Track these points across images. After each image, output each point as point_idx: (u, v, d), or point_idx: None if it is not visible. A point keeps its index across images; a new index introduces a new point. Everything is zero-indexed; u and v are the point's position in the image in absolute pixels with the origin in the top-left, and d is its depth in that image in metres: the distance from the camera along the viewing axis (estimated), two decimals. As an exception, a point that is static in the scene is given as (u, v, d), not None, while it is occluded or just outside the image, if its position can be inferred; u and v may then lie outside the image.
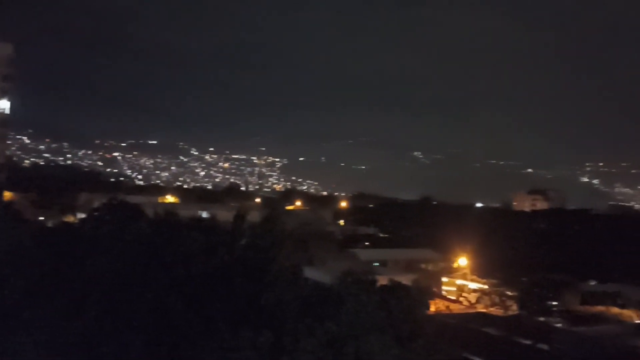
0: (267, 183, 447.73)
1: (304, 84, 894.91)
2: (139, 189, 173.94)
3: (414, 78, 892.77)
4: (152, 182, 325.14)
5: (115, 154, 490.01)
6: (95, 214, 50.10)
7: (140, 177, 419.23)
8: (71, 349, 21.09)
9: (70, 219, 79.97)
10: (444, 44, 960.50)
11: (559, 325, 48.31)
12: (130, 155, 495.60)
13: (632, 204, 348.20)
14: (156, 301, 21.69)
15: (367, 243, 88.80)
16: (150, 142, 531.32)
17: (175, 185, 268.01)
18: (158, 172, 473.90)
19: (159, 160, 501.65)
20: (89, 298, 21.96)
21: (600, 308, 53.02)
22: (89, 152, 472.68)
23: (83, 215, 69.05)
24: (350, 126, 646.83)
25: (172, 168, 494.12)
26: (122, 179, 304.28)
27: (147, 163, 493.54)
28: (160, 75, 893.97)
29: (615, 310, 52.51)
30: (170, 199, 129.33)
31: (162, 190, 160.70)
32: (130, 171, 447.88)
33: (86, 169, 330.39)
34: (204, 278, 23.10)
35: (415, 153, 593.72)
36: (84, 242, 28.57)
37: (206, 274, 23.21)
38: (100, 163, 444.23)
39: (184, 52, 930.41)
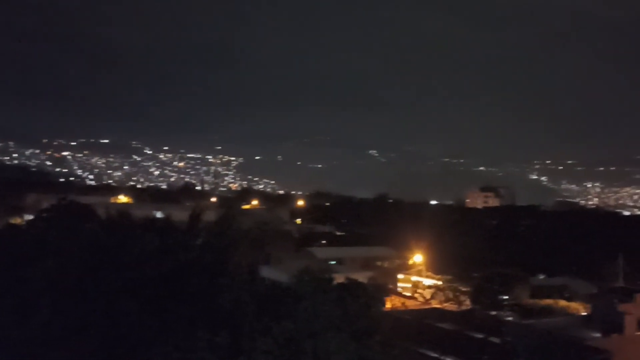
0: (223, 182, 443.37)
1: (260, 83, 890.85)
2: (90, 189, 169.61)
3: (369, 77, 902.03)
4: (104, 182, 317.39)
5: (65, 153, 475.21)
6: (44, 215, 48.58)
7: (91, 177, 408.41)
8: (19, 355, 20.38)
9: (17, 220, 77.08)
10: (398, 43, 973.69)
11: (509, 318, 49.70)
12: (81, 155, 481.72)
13: (577, 200, 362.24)
14: (109, 304, 21.17)
15: (323, 241, 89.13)
16: (101, 141, 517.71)
17: (128, 185, 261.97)
18: (110, 171, 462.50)
19: (111, 159, 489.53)
20: (37, 302, 21.24)
21: (548, 301, 54.82)
22: (37, 151, 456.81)
23: (31, 217, 66.78)
24: (306, 125, 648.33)
25: (125, 167, 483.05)
26: (72, 179, 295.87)
27: (98, 162, 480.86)
28: (111, 73, 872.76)
29: (562, 303, 54.40)
30: (123, 199, 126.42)
31: (115, 190, 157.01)
32: (81, 171, 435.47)
33: (34, 169, 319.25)
34: (158, 279, 22.68)
35: (371, 151, 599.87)
36: (32, 244, 27.62)
37: (161, 275, 22.80)
38: (49, 163, 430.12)
39: (137, 50, 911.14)
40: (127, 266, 23.04)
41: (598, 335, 38.09)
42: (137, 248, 23.60)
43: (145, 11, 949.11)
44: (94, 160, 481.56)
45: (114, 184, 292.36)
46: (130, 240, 24.31)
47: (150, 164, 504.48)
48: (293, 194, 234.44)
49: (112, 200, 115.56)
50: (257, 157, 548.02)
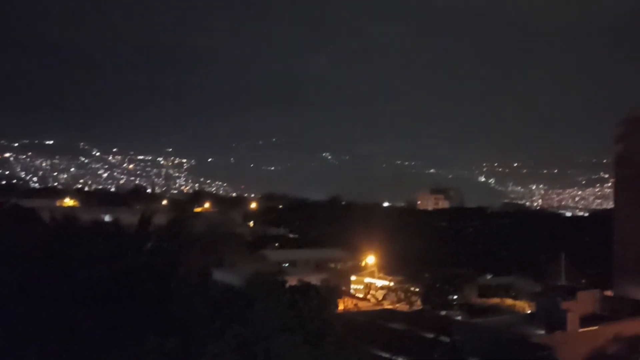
0: (174, 185, 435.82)
1: (213, 84, 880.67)
2: (35, 192, 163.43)
3: (322, 79, 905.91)
4: (49, 185, 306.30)
5: (7, 154, 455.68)
6: (-16, 219, 46.45)
7: (35, 179, 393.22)
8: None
9: (-46, 225, 73.40)
10: (350, 45, 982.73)
11: (459, 317, 50.85)
12: (24, 156, 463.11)
13: (523, 201, 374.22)
14: (55, 310, 20.51)
15: (276, 244, 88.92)
16: (46, 142, 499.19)
17: (75, 187, 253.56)
18: (56, 174, 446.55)
19: (56, 161, 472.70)
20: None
21: (495, 300, 56.43)
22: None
23: (-31, 221, 63.64)
24: (259, 127, 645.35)
25: (72, 170, 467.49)
26: (15, 181, 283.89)
27: (43, 164, 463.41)
28: (57, 73, 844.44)
29: (508, 301, 56.10)
30: (69, 202, 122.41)
31: (61, 193, 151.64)
32: (24, 173, 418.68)
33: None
34: (107, 284, 22.13)
35: (324, 154, 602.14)
36: (-29, 250, 26.39)
37: (109, 279, 22.25)
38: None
39: (84, 50, 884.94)
40: (74, 271, 22.38)
41: (542, 332, 39.39)
42: (84, 253, 22.97)
43: (93, 12, 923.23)
44: (38, 162, 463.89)
45: (59, 186, 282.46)
46: (76, 244, 23.62)
47: (98, 166, 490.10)
48: (246, 196, 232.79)
49: (58, 203, 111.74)
50: (209, 159, 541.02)
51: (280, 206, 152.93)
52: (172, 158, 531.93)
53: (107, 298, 21.97)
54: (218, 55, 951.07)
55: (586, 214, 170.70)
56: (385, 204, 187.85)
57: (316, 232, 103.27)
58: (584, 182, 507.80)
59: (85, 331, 20.42)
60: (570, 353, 38.06)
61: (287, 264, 70.34)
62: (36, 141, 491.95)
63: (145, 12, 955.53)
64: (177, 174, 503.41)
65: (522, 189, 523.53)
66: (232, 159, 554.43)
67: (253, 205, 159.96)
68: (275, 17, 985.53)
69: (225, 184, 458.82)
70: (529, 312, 50.47)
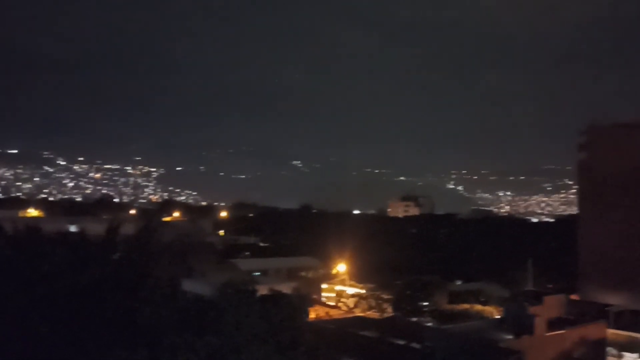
0: (142, 194, 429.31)
1: (182, 91, 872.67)
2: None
3: (292, 88, 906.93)
4: (12, 195, 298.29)
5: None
6: (-58, 231, 44.85)
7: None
8: None
9: None
10: (320, 55, 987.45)
11: (429, 324, 51.19)
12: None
13: (491, 208, 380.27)
14: (14, 324, 19.82)
15: (247, 253, 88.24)
16: (9, 151, 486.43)
17: (39, 197, 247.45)
18: (19, 183, 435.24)
19: (19, 170, 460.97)
20: None
21: (465, 306, 56.99)
22: None
23: None
24: (229, 135, 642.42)
25: (36, 179, 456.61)
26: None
27: (5, 174, 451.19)
28: (20, 80, 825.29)
29: (478, 307, 56.74)
30: (33, 212, 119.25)
31: (24, 203, 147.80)
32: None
33: None
34: (71, 296, 21.49)
35: (295, 162, 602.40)
36: None
37: (74, 292, 21.61)
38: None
39: (47, 56, 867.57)
40: (37, 284, 21.69)
41: (510, 336, 39.92)
42: (47, 264, 22.28)
43: (60, 16, 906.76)
44: (0, 171, 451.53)
45: (23, 196, 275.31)
46: (39, 255, 22.91)
47: (63, 175, 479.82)
48: (216, 205, 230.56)
49: (21, 214, 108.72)
50: (178, 168, 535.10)
51: (251, 215, 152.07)
52: (141, 167, 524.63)
53: (71, 311, 21.34)
54: (188, 63, 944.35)
55: (552, 220, 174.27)
56: (356, 212, 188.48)
57: (287, 240, 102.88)
58: (549, 188, 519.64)
59: (48, 346, 19.78)
60: (538, 357, 38.65)
61: (258, 273, 69.80)
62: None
63: (114, 17, 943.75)
64: (145, 183, 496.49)
65: (490, 196, 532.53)
66: (202, 167, 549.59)
67: (223, 214, 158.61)
68: (246, 25, 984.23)
69: (195, 193, 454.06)
70: (497, 317, 51.07)
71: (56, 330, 20.00)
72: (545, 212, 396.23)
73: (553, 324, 42.05)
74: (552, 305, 46.19)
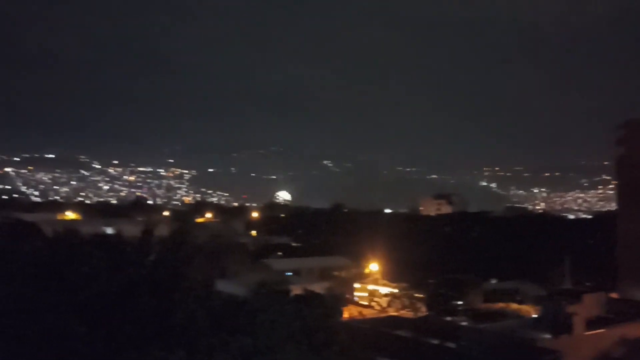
0: (175, 196, 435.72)
1: (213, 93, 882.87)
2: (36, 206, 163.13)
3: (322, 88, 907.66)
4: (50, 199, 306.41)
5: (8, 169, 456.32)
6: (-14, 234, 46.27)
7: (36, 193, 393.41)
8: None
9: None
10: (352, 54, 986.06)
11: (464, 323, 50.52)
12: (25, 171, 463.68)
13: (525, 205, 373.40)
14: (56, 326, 20.31)
15: (280, 253, 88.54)
16: (47, 155, 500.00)
17: (76, 201, 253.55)
18: (56, 187, 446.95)
19: (57, 174, 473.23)
20: (-21, 327, 20.17)
21: (500, 305, 56.07)
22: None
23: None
24: (260, 136, 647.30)
25: (72, 183, 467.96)
26: (15, 195, 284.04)
27: (44, 178, 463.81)
28: (57, 87, 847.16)
29: (514, 306, 55.76)
30: (70, 215, 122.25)
31: (62, 206, 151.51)
32: (25, 187, 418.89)
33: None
34: (109, 298, 21.93)
35: (325, 162, 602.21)
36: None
37: (111, 293, 22.05)
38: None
39: (84, 63, 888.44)
40: (75, 286, 22.20)
41: (548, 336, 39.11)
42: (85, 266, 22.79)
43: (93, 24, 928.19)
44: (39, 175, 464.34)
45: (60, 200, 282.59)
46: (78, 258, 23.45)
47: (99, 178, 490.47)
48: (248, 205, 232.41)
49: (59, 217, 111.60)
50: (210, 170, 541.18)
51: (283, 215, 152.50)
52: (173, 169, 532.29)
53: (110, 311, 21.77)
54: (219, 65, 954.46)
55: (589, 217, 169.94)
56: (388, 211, 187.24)
57: (319, 240, 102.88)
58: (586, 184, 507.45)
59: (88, 346, 20.21)
60: (576, 356, 37.77)
61: (290, 273, 70.02)
62: (37, 155, 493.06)
63: (144, 20, 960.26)
64: (178, 185, 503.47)
65: (524, 193, 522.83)
66: (233, 168, 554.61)
67: (255, 214, 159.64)
68: (276, 25, 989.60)
69: (226, 194, 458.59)
70: (534, 316, 50.16)
71: (95, 331, 20.41)
72: (583, 209, 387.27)
73: (592, 323, 41.04)
74: (590, 304, 45.08)
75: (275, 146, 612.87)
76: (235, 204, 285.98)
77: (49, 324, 20.35)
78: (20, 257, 24.59)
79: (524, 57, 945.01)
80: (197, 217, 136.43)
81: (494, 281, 70.35)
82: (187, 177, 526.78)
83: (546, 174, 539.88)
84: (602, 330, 40.83)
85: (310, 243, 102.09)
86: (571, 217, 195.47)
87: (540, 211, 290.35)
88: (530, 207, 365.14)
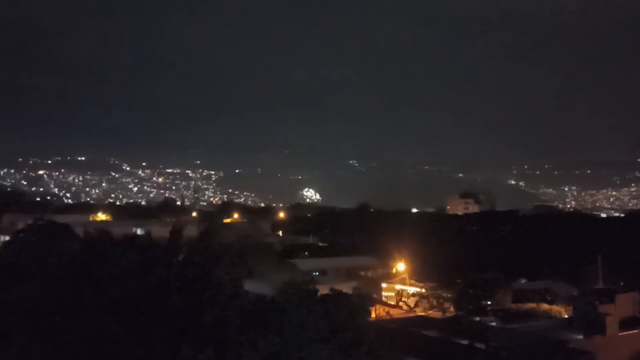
0: (203, 197, 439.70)
1: (238, 94, 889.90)
2: (68, 208, 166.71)
3: (347, 87, 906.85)
4: (82, 200, 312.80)
5: (41, 172, 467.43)
6: (21, 235, 47.54)
7: (68, 195, 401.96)
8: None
9: (-8, 242, 75.49)
10: (375, 52, 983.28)
11: (493, 323, 49.95)
12: (57, 173, 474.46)
13: (555, 203, 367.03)
14: (90, 324, 20.77)
15: (306, 253, 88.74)
16: (78, 158, 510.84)
17: (106, 202, 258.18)
18: (88, 189, 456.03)
19: (88, 177, 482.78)
20: (15, 325, 20.74)
21: (531, 305, 55.21)
22: (12, 171, 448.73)
23: (7, 238, 65.39)
24: (286, 136, 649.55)
25: (103, 185, 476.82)
26: (48, 198, 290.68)
27: (75, 180, 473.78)
28: (86, 90, 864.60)
29: (545, 306, 54.85)
30: (102, 216, 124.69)
31: (93, 208, 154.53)
32: (57, 189, 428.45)
33: (9, 189, 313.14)
34: (140, 297, 22.36)
35: (351, 161, 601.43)
36: (8, 266, 27.01)
37: (143, 292, 22.47)
38: (24, 182, 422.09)
39: (111, 66, 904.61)
40: (108, 285, 22.67)
41: (580, 337, 38.44)
42: (117, 266, 23.26)
43: (117, 26, 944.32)
44: (70, 178, 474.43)
45: (92, 201, 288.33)
46: (110, 258, 23.95)
47: (128, 180, 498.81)
48: (274, 206, 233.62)
49: (91, 218, 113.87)
50: (237, 170, 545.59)
51: (309, 215, 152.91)
52: (201, 170, 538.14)
53: (141, 310, 22.17)
54: (244, 65, 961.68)
55: (622, 215, 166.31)
56: (415, 210, 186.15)
57: (346, 239, 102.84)
58: (618, 182, 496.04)
59: (120, 343, 20.61)
60: (609, 358, 37.08)
61: (317, 273, 70.15)
62: (68, 158, 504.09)
63: (169, 23, 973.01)
64: (205, 186, 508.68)
65: (554, 191, 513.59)
66: (259, 169, 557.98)
67: (281, 214, 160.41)
68: (300, 24, 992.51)
69: (253, 194, 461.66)
70: (566, 316, 49.38)
71: (127, 329, 20.81)
72: (615, 207, 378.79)
73: (625, 324, 40.23)
74: (624, 304, 44.09)
75: (301, 146, 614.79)
76: (262, 204, 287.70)
77: (84, 323, 20.81)
78: (54, 257, 25.21)
79: (555, 53, 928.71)
80: (224, 218, 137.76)
81: (523, 281, 69.30)
82: (214, 178, 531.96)
83: (576, 172, 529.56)
84: (635, 331, 40.00)
85: (336, 243, 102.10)
86: (603, 215, 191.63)
87: (570, 209, 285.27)
88: (560, 205, 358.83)
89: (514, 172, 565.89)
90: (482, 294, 56.82)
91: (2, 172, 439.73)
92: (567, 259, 74.38)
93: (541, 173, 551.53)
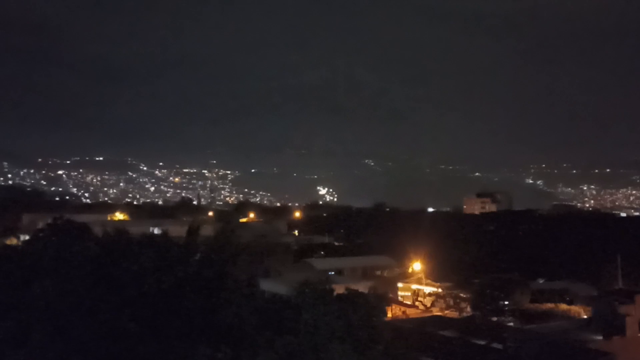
0: (219, 196, 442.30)
1: (254, 94, 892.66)
2: (86, 207, 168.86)
3: (362, 86, 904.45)
4: (100, 200, 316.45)
5: (60, 172, 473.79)
6: (40, 234, 48.15)
7: (87, 195, 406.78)
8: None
9: (12, 241, 76.72)
10: (390, 51, 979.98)
11: (511, 324, 49.57)
12: (76, 173, 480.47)
13: (574, 203, 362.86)
14: (107, 323, 20.97)
15: (322, 252, 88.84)
16: (96, 158, 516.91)
17: (124, 202, 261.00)
18: (106, 189, 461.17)
19: (106, 176, 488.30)
20: (34, 323, 21.01)
21: (549, 305, 54.69)
22: (31, 171, 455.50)
23: (27, 237, 66.37)
24: (302, 136, 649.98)
25: (121, 184, 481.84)
26: (67, 197, 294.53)
27: (93, 180, 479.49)
28: (102, 89, 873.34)
29: (563, 306, 54.29)
30: (119, 216, 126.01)
31: (111, 207, 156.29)
32: (76, 189, 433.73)
33: (29, 189, 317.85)
34: (157, 296, 22.51)
35: (367, 160, 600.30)
36: (28, 265, 27.37)
37: (160, 291, 22.62)
38: (43, 182, 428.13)
39: (128, 66, 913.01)
40: (125, 284, 22.87)
41: (600, 337, 37.99)
42: (134, 265, 23.45)
43: (136, 26, 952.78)
44: (89, 178, 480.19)
45: (109, 201, 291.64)
46: (127, 257, 24.15)
47: (145, 180, 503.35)
48: (290, 205, 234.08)
49: (109, 217, 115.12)
50: (252, 170, 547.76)
51: (325, 214, 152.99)
52: (217, 170, 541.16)
53: (158, 310, 22.33)
54: (260, 65, 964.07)
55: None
56: (431, 210, 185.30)
57: (361, 239, 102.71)
58: (638, 180, 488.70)
59: (137, 342, 20.78)
60: (630, 359, 36.55)
61: (333, 272, 70.18)
62: (87, 158, 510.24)
63: (189, 28, 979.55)
64: (222, 186, 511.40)
65: (572, 190, 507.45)
66: (275, 168, 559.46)
67: (297, 214, 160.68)
68: (316, 24, 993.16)
69: (269, 194, 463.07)
70: (585, 317, 48.84)
71: (144, 329, 20.97)
72: (635, 206, 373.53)
73: (647, 325, 39.60)
74: (645, 305, 43.46)
75: (317, 146, 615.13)
76: (278, 204, 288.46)
77: (102, 321, 21.03)
78: (73, 256, 25.50)
79: (570, 50, 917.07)
80: (240, 217, 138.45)
81: (541, 281, 68.66)
82: (230, 177, 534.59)
83: (595, 171, 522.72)
84: (657, 332, 39.36)
85: (352, 242, 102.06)
86: (622, 214, 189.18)
87: (589, 209, 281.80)
88: (579, 204, 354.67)
89: (532, 171, 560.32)
90: (500, 294, 56.40)
91: (22, 172, 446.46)
92: (586, 259, 73.50)
93: (559, 172, 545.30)
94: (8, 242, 71.24)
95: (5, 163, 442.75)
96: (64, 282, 22.92)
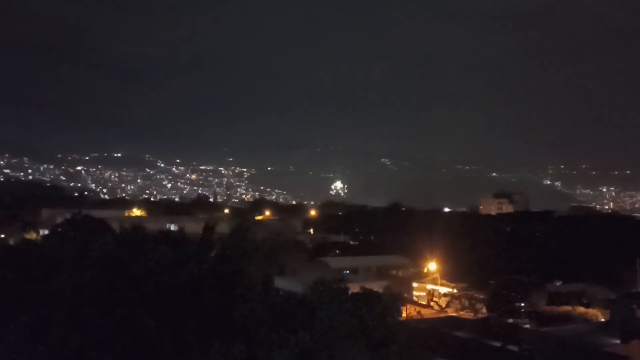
0: (235, 193, 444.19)
1: (271, 93, 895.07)
2: (104, 203, 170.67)
3: (379, 85, 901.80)
4: (118, 196, 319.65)
5: (79, 168, 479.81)
6: (59, 229, 48.90)
7: (105, 190, 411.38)
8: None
9: (32, 235, 77.96)
10: (407, 50, 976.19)
11: (527, 326, 49.11)
12: (94, 169, 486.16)
13: (593, 204, 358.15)
14: (124, 317, 21.21)
15: (337, 251, 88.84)
16: (114, 155, 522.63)
17: (141, 198, 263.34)
18: (123, 185, 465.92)
19: (124, 173, 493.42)
20: (53, 317, 21.32)
21: (566, 308, 54.04)
22: (51, 166, 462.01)
23: (46, 232, 67.37)
24: (318, 134, 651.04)
25: (138, 181, 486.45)
26: (86, 193, 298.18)
27: (112, 176, 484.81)
28: (121, 87, 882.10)
29: (581, 309, 53.61)
30: (136, 212, 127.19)
31: (128, 203, 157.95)
32: (94, 185, 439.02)
33: (48, 184, 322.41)
34: (173, 292, 22.71)
35: (383, 160, 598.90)
36: (47, 259, 27.78)
37: (176, 287, 22.82)
38: (63, 178, 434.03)
39: (147, 64, 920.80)
40: (142, 279, 23.11)
41: (617, 341, 37.46)
42: (151, 261, 23.67)
43: (155, 25, 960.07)
44: (107, 174, 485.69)
45: (127, 197, 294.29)
46: (144, 253, 24.38)
47: (163, 176, 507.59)
48: (305, 203, 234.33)
49: (126, 213, 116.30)
50: (269, 168, 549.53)
51: (340, 213, 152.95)
52: (233, 167, 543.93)
53: (174, 305, 22.52)
54: (276, 64, 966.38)
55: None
56: (447, 209, 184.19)
57: (377, 238, 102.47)
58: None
59: (153, 337, 20.99)
60: (649, 364, 35.97)
61: (348, 271, 70.15)
62: (105, 154, 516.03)
63: (208, 28, 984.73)
64: (238, 183, 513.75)
65: (591, 192, 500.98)
66: (291, 167, 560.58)
67: (313, 212, 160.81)
68: (332, 23, 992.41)
69: (284, 192, 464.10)
70: (602, 320, 48.20)
71: (160, 324, 21.17)
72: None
73: (666, 329, 38.93)
74: (664, 309, 42.82)
75: (333, 144, 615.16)
76: (293, 202, 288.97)
77: (119, 316, 21.27)
78: (91, 251, 25.85)
79: (594, 51, 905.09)
80: (256, 215, 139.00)
81: (558, 283, 67.92)
82: (246, 175, 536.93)
83: (615, 172, 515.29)
84: (677, 336, 38.69)
85: (367, 241, 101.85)
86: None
87: (609, 210, 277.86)
88: (597, 206, 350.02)
89: (550, 172, 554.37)
90: (516, 296, 55.89)
91: (42, 168, 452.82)
92: (604, 262, 72.54)
93: (578, 173, 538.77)
94: (28, 236, 72.43)
95: (25, 158, 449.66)
96: (82, 277, 23.23)
